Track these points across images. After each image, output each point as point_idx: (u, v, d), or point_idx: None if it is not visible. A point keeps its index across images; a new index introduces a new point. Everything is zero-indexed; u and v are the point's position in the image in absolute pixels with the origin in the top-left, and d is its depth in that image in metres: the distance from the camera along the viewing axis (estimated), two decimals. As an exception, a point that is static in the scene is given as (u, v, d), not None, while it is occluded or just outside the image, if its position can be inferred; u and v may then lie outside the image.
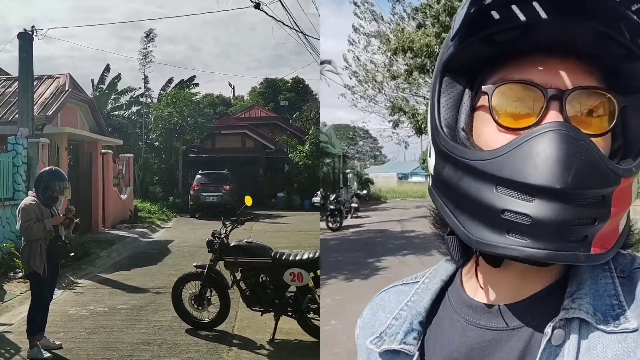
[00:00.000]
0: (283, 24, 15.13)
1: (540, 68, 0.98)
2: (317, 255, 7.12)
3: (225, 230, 7.66)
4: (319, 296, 7.10)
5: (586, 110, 0.97)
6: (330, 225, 19.51)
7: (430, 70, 15.35)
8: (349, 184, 33.90)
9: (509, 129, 0.98)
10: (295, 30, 16.30)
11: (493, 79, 1.02)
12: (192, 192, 25.56)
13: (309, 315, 7.13)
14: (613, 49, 0.96)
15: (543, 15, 0.95)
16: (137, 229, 19.12)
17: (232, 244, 7.47)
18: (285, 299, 7.17)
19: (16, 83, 15.78)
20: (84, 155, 18.43)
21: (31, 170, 13.40)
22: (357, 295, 9.60)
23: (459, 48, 1.02)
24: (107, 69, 30.55)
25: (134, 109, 32.06)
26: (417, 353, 1.10)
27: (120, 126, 29.46)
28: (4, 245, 11.59)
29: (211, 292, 7.60)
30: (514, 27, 0.97)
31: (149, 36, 31.16)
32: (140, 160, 28.15)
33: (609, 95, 0.97)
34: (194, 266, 7.78)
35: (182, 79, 34.89)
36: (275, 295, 7.18)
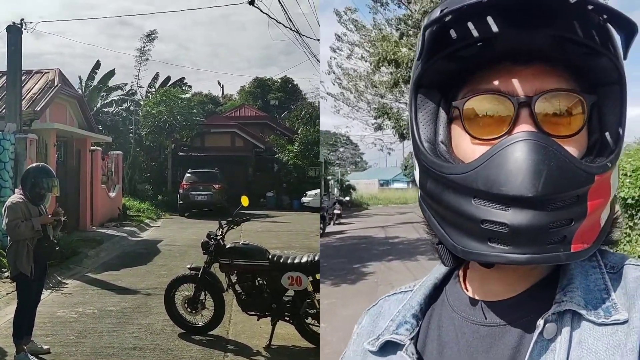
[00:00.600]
0: (277, 21, 14.85)
1: (507, 76, 1.01)
2: (317, 258, 6.87)
3: (222, 232, 7.39)
4: (318, 301, 6.84)
5: (556, 113, 0.99)
6: None
7: None
8: (330, 190, 33.75)
9: (482, 140, 1.02)
10: (291, 29, 16.07)
11: (463, 92, 1.06)
12: (181, 191, 25.42)
13: (307, 321, 6.87)
14: (573, 49, 0.99)
15: (495, 29, 0.98)
16: (126, 228, 18.83)
17: (228, 246, 7.20)
18: (283, 303, 6.92)
19: (4, 77, 15.42)
20: (72, 152, 18.09)
21: (19, 166, 13.03)
22: (345, 300, 9.55)
23: (425, 67, 1.06)
24: (97, 65, 30.17)
25: (125, 106, 31.74)
26: (408, 342, 1.13)
27: (111, 123, 29.17)
28: (-9, 244, 11.26)
29: (205, 295, 7.33)
30: (473, 43, 1.01)
31: (150, 36, 30.93)
32: (130, 158, 27.89)
33: (576, 94, 1.01)
34: (188, 268, 7.51)
35: (169, 77, 34.77)
36: (272, 299, 6.92)
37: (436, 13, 0.99)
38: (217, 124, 34.07)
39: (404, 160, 43.29)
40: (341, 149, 59.83)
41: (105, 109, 30.90)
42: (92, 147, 19.38)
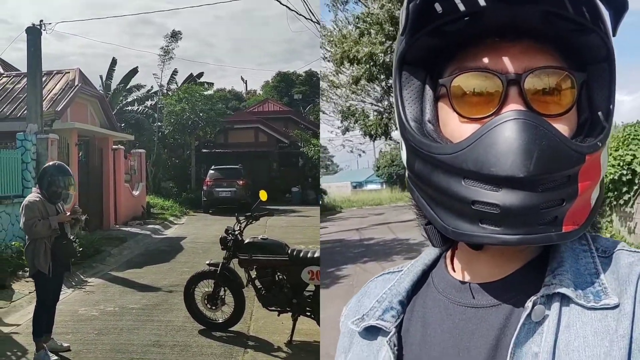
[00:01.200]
0: (297, 13, 14.71)
1: (495, 53, 0.99)
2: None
3: (239, 227, 7.30)
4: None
5: (546, 91, 0.97)
6: None
7: (377, 77, 15.03)
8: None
9: (471, 119, 0.99)
10: (312, 20, 15.92)
11: (450, 69, 1.04)
12: (205, 188, 25.46)
13: (329, 316, 6.78)
14: (562, 25, 0.97)
15: (482, 3, 0.95)
16: (150, 226, 18.91)
17: (246, 241, 7.10)
18: (304, 298, 6.81)
19: (25, 79, 15.52)
20: (94, 151, 18.19)
21: (40, 166, 13.05)
22: (321, 304, 9.30)
23: (410, 42, 1.03)
24: (114, 62, 30.31)
25: (148, 104, 31.93)
26: (394, 329, 1.11)
27: (134, 121, 29.33)
28: (13, 243, 11.34)
29: (225, 291, 7.25)
30: (459, 17, 0.98)
31: (175, 36, 31.00)
32: (153, 156, 28.02)
33: (566, 72, 0.99)
34: (207, 264, 7.43)
35: (192, 74, 34.94)
36: (293, 294, 6.81)
37: None
38: (240, 119, 34.11)
39: (376, 161, 42.75)
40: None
41: (129, 108, 31.09)
42: (114, 146, 19.49)
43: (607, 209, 7.89)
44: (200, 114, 29.37)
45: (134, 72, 30.97)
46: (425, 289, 1.16)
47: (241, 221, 7.37)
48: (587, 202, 0.99)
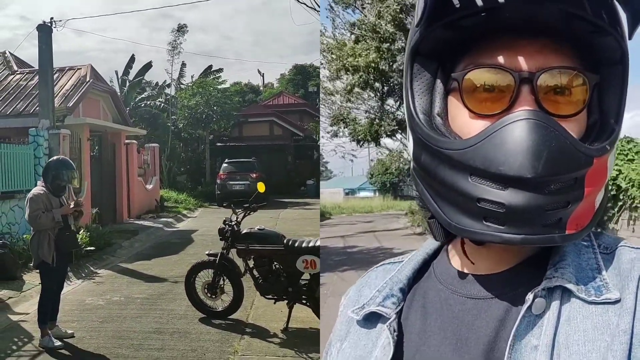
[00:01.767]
0: (317, 5, 14.76)
1: (510, 50, 0.98)
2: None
3: (237, 218, 7.52)
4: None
5: (558, 91, 0.96)
6: None
7: (372, 85, 14.98)
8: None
9: (481, 115, 0.99)
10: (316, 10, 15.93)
11: (463, 63, 1.03)
12: (218, 181, 25.62)
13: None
14: (580, 25, 0.96)
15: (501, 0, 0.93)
16: (162, 219, 19.17)
17: (243, 232, 7.32)
18: (299, 286, 7.01)
19: (37, 76, 15.81)
20: (107, 146, 18.49)
21: (52, 162, 13.41)
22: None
23: (424, 34, 1.02)
24: (132, 59, 30.64)
25: (162, 98, 32.17)
26: (394, 315, 1.12)
27: (148, 116, 29.58)
28: (25, 236, 11.60)
29: (224, 280, 7.47)
30: (477, 12, 0.96)
31: (181, 30, 31.24)
32: (168, 150, 28.24)
33: (580, 73, 0.98)
34: (207, 254, 7.67)
35: (211, 65, 34.96)
36: (289, 283, 7.02)
37: None
38: (255, 112, 34.07)
39: (370, 169, 42.24)
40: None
41: (143, 102, 31.37)
42: (127, 141, 19.74)
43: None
44: (215, 108, 29.54)
45: (147, 66, 31.25)
46: (427, 278, 1.17)
47: (238, 212, 7.60)
48: (591, 205, 0.99)
